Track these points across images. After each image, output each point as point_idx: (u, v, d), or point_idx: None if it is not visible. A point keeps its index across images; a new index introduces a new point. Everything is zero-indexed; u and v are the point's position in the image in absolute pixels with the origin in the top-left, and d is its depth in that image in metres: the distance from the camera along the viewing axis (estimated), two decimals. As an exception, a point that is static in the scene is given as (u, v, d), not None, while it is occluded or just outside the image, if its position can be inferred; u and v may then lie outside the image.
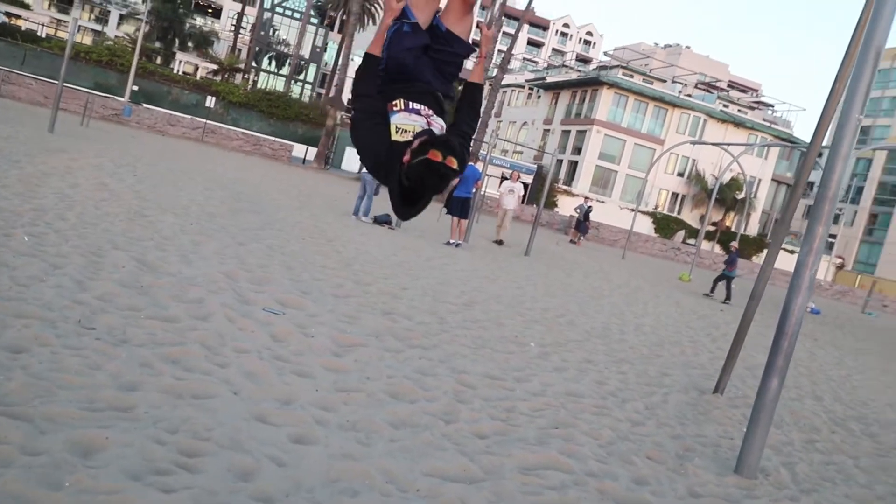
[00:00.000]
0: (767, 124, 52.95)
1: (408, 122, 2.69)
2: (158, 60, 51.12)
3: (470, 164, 16.32)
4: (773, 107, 65.29)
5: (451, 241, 14.90)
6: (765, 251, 46.58)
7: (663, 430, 5.31)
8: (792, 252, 45.99)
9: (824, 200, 4.60)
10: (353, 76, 2.87)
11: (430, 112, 2.75)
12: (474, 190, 15.99)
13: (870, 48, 4.55)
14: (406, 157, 2.51)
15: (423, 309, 7.52)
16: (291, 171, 29.01)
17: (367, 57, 2.79)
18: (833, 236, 38.02)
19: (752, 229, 50.15)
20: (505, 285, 10.95)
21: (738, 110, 53.27)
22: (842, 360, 12.07)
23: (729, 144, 32.93)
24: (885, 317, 33.51)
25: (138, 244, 6.92)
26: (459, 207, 15.31)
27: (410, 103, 2.72)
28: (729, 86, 67.96)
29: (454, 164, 2.47)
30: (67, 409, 3.31)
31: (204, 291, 5.83)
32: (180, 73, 56.15)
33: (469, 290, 9.47)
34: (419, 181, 2.50)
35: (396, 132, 2.67)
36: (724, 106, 52.43)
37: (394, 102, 2.72)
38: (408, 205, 2.62)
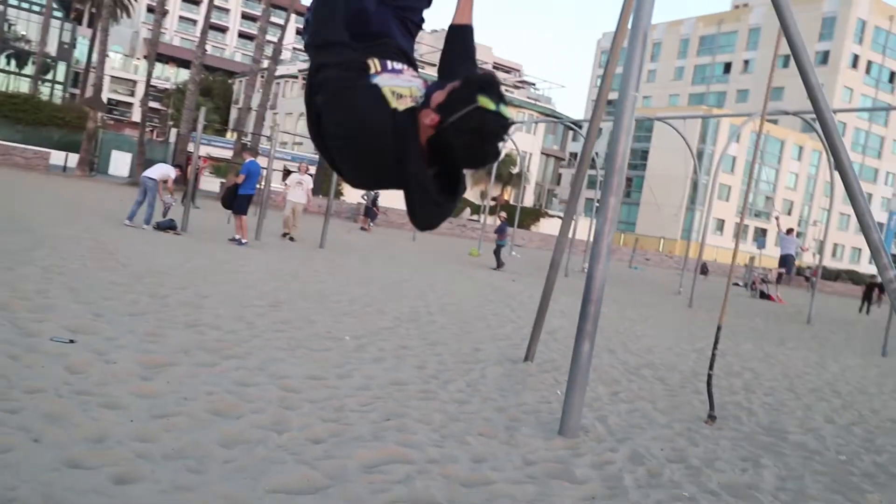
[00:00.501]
0: (532, 101, 56.56)
1: (401, 83, 1.98)
2: None
3: (250, 159, 15.83)
4: (534, 85, 69.83)
5: (237, 237, 14.47)
6: (541, 220, 50.04)
7: (488, 405, 5.50)
8: (565, 219, 49.78)
9: (613, 173, 4.97)
10: (313, 18, 2.05)
11: (415, 73, 2.08)
12: (259, 186, 15.64)
13: (638, 30, 4.96)
14: (431, 120, 1.81)
15: (228, 316, 7.17)
16: (52, 180, 26.33)
17: None
18: (596, 200, 41.59)
19: (528, 201, 53.44)
20: (307, 281, 10.75)
21: (505, 90, 56.31)
22: (622, 312, 13.25)
23: (501, 123, 34.69)
24: (648, 269, 37.34)
25: None
26: (244, 205, 14.83)
27: (388, 62, 2.04)
28: (494, 67, 71.51)
29: (509, 113, 1.84)
30: None
31: (-25, 329, 5.11)
32: None
33: (272, 290, 9.18)
34: (469, 147, 1.78)
35: (393, 97, 1.91)
36: (492, 86, 55.16)
37: (366, 63, 1.99)
38: (449, 193, 1.91)
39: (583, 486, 4.12)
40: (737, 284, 32.45)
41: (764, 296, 24.91)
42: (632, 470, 4.52)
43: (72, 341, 5.28)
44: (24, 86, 53.74)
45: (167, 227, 14.40)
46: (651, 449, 5.00)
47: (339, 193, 42.00)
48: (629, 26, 5.08)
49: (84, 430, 3.80)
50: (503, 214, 22.15)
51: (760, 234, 47.96)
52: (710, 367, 6.43)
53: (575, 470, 4.34)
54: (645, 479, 4.39)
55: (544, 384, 6.51)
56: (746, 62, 76.08)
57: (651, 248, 54.19)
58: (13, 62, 58.50)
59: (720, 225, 66.02)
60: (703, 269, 32.97)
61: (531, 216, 49.50)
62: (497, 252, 19.92)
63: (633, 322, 12.21)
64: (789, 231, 23.57)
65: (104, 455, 3.56)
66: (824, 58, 70.47)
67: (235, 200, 14.82)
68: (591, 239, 29.84)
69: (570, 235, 7.04)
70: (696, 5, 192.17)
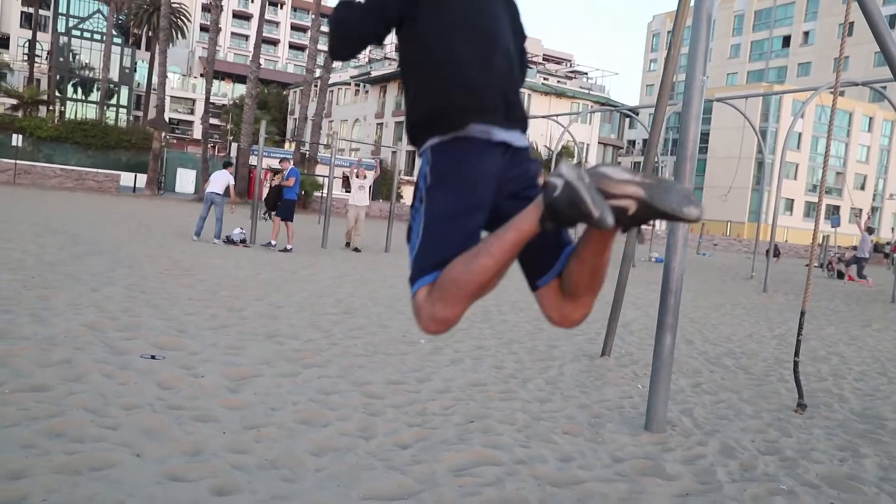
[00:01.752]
0: (586, 91, 55.88)
1: None
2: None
3: (292, 166, 16.02)
4: (587, 74, 68.97)
5: (272, 242, 14.85)
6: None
7: (570, 403, 5.45)
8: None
9: (684, 160, 4.85)
10: None
11: None
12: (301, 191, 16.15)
13: (701, 11, 4.84)
14: None
15: (304, 325, 7.29)
16: (123, 201, 27.27)
17: None
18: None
19: (588, 192, 52.74)
20: (377, 286, 10.85)
21: (558, 81, 55.84)
22: (696, 301, 12.97)
23: (557, 115, 34.39)
24: (716, 255, 36.47)
25: (-22, 310, 6.21)
26: (291, 210, 15.16)
27: None
28: (544, 59, 70.97)
29: None
30: (-50, 515, 2.90)
31: (69, 350, 5.32)
32: (-27, 112, 51.10)
33: (344, 298, 9.30)
34: None
35: None
36: (545, 79, 54.75)
37: None
38: None
39: (675, 483, 4.04)
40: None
41: (841, 276, 24.04)
42: (724, 464, 4.40)
43: (153, 357, 5.44)
44: (90, 112, 55.82)
45: (238, 240, 14.75)
46: (741, 441, 4.87)
47: (399, 196, 42.38)
48: (691, 5, 4.96)
49: (181, 444, 3.92)
50: None
51: (833, 212, 46.27)
52: (796, 354, 6.22)
53: (665, 466, 4.26)
54: (738, 473, 4.28)
55: (624, 379, 6.41)
56: (806, 34, 73.53)
57: (718, 232, 52.98)
58: (80, 90, 60.85)
59: (789, 204, 64.06)
60: (775, 252, 32.04)
61: (592, 207, 48.87)
62: None
63: (707, 310, 11.93)
64: (869, 230, 22.64)
65: (202, 467, 3.65)
66: (891, 21, 67.61)
67: (282, 206, 15.18)
68: (656, 227, 29.38)
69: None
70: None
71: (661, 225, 47.14)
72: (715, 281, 18.90)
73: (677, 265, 4.86)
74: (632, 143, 73.83)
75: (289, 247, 14.70)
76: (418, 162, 2.29)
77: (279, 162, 18.35)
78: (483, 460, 4.08)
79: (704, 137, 66.64)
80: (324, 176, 30.20)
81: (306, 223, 23.47)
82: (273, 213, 15.84)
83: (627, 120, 62.76)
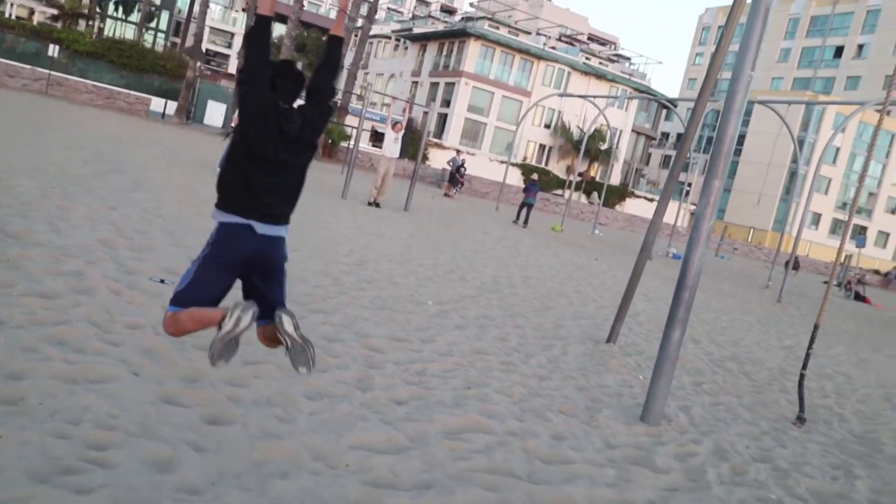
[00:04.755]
0: (627, 76, 55.01)
1: None
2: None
3: None
4: (630, 59, 67.86)
5: None
6: (626, 200, 48.96)
7: (569, 383, 5.43)
8: (651, 200, 48.53)
9: (720, 155, 4.75)
10: None
11: None
12: None
13: (759, 6, 4.69)
14: None
15: (315, 271, 7.28)
16: (151, 126, 27.28)
17: None
18: (686, 183, 40.34)
19: (615, 179, 52.36)
20: (391, 242, 10.82)
21: (599, 63, 54.99)
22: (708, 302, 12.87)
23: (595, 97, 33.94)
24: (735, 259, 36.15)
25: (-4, 211, 6.24)
26: None
27: None
28: (589, 38, 69.82)
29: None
30: (-54, 406, 2.92)
31: (81, 262, 5.34)
32: (12, 17, 51.10)
33: (358, 249, 9.28)
34: None
35: None
36: (587, 59, 53.94)
37: None
38: None
39: (664, 476, 4.02)
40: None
41: (859, 297, 23.79)
42: (715, 465, 4.38)
43: (163, 281, 5.45)
44: (129, 32, 55.66)
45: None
46: (736, 445, 4.84)
47: (425, 157, 42.13)
48: (748, 1, 4.81)
49: (179, 369, 3.93)
50: (534, 176, 24.36)
51: (860, 232, 45.61)
52: (804, 367, 6.16)
53: (657, 459, 4.24)
54: (729, 476, 4.25)
55: (626, 367, 6.38)
56: (861, 46, 71.70)
57: (740, 237, 52.51)
58: (121, 9, 60.62)
59: (816, 219, 63.17)
60: (795, 265, 31.73)
61: (617, 195, 48.45)
62: (528, 210, 21.58)
63: (718, 312, 11.83)
64: None
65: (197, 394, 3.67)
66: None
67: None
68: (677, 223, 29.06)
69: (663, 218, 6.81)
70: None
71: (682, 222, 46.82)
72: (730, 285, 18.74)
73: (697, 260, 4.79)
74: (665, 135, 72.83)
75: None
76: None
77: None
78: (476, 427, 4.08)
79: (740, 140, 65.62)
80: (352, 127, 29.99)
81: (329, 172, 23.41)
82: None
83: (664, 112, 61.85)
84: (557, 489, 3.50)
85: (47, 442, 2.83)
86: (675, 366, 4.91)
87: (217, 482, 2.89)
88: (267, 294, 3.15)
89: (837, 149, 61.19)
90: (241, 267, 3.05)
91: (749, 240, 54.54)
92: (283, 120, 2.98)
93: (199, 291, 2.99)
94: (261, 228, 3.00)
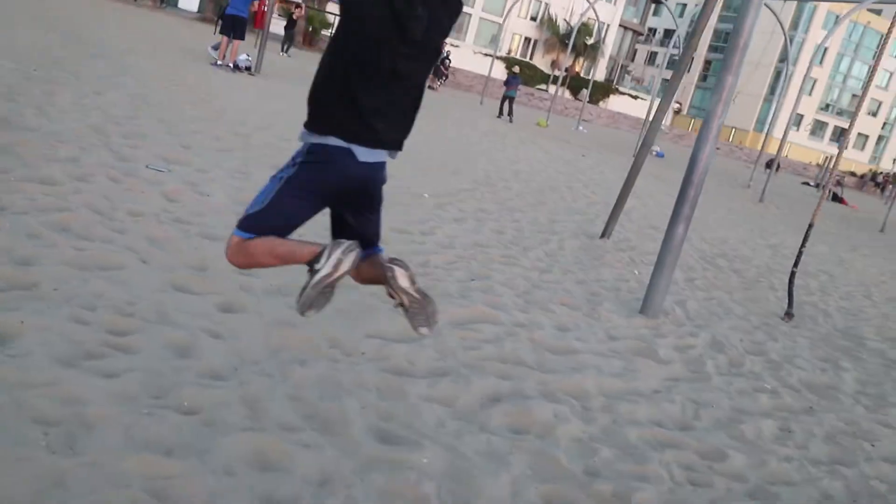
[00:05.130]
0: (616, -32, 53.13)
1: None
2: None
3: None
4: (621, -50, 65.43)
5: (219, 62, 13.90)
6: (611, 96, 48.31)
7: (568, 277, 5.49)
8: (635, 98, 47.96)
9: (736, 50, 4.65)
10: None
11: None
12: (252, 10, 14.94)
13: None
14: None
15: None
16: (124, 9, 26.08)
17: None
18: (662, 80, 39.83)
19: (600, 75, 51.51)
20: (382, 135, 10.63)
21: (590, -47, 53.00)
22: (694, 201, 12.93)
23: (584, -12, 32.87)
24: (718, 159, 36.18)
25: (-20, 94, 6.01)
26: (232, 26, 14.04)
27: None
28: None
29: None
30: (-39, 290, 2.88)
31: (75, 148, 5.20)
32: None
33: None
34: None
35: None
36: (576, -53, 51.90)
37: None
38: None
39: (667, 367, 4.13)
40: (807, 184, 31.46)
41: (836, 198, 24.09)
42: (713, 357, 4.51)
43: (163, 170, 5.34)
44: None
45: (242, 66, 14.28)
46: (730, 338, 4.97)
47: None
48: None
49: (187, 258, 3.90)
50: (516, 69, 25.04)
51: (841, 133, 45.66)
52: (795, 265, 6.29)
53: (658, 350, 4.35)
54: (726, 367, 4.39)
55: (621, 262, 6.46)
56: (856, -56, 69.81)
57: (722, 137, 52.41)
58: None
59: (797, 120, 63.11)
60: (776, 166, 31.92)
61: (601, 91, 47.76)
62: (510, 104, 21.21)
63: (704, 211, 11.90)
64: None
65: (208, 283, 3.66)
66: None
67: (225, 21, 13.97)
68: (663, 123, 28.84)
69: (661, 116, 6.73)
70: None
71: (666, 121, 46.49)
72: (712, 184, 18.83)
73: (704, 158, 4.77)
74: (652, 31, 71.30)
75: (219, 61, 13.82)
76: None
77: None
78: (483, 318, 4.14)
79: (726, 37, 64.50)
80: (334, 14, 28.97)
81: (311, 62, 22.74)
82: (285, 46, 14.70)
83: (653, 6, 60.30)
84: (568, 378, 3.59)
85: (68, 328, 2.82)
86: (676, 261, 4.97)
87: (239, 368, 2.92)
88: (362, 228, 2.58)
89: (826, 49, 60.38)
90: (334, 197, 2.43)
91: (731, 139, 54.54)
92: (403, 16, 2.12)
93: (276, 218, 2.38)
94: (364, 155, 2.30)
